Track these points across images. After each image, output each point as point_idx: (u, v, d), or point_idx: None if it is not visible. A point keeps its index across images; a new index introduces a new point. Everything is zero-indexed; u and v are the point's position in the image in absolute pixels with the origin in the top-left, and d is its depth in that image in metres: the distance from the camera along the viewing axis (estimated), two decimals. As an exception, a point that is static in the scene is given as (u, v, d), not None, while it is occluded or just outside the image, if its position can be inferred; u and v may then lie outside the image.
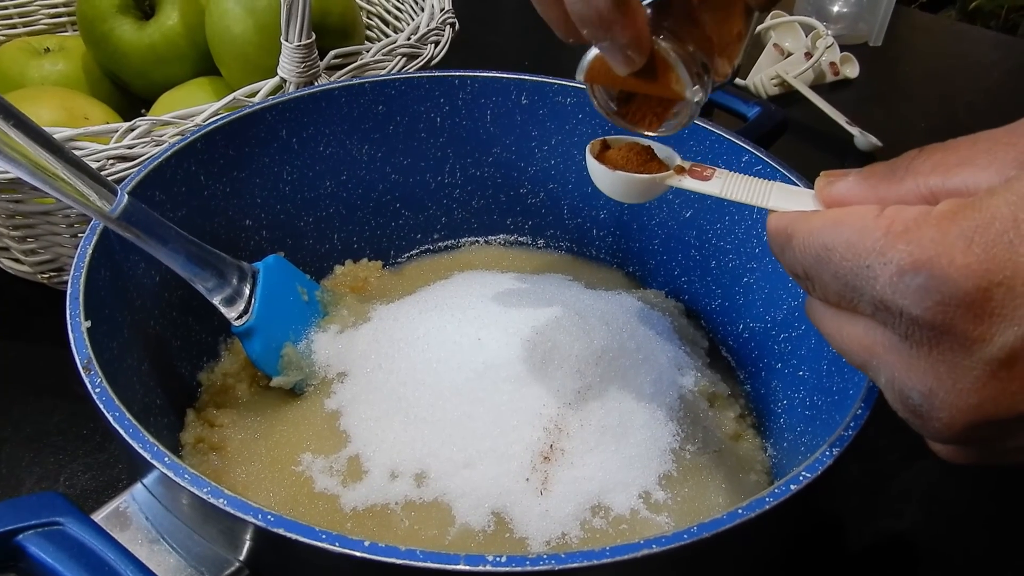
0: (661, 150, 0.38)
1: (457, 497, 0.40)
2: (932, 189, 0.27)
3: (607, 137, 0.39)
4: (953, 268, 0.24)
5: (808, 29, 0.99)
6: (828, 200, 0.30)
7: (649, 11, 0.34)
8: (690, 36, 0.35)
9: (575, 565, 0.27)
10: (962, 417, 0.26)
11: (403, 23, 0.75)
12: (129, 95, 0.73)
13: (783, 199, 0.33)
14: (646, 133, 0.38)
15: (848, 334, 0.29)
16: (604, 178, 0.38)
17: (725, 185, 0.35)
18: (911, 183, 0.27)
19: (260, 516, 0.28)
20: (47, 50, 0.71)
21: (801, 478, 0.31)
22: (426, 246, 0.62)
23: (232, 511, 0.28)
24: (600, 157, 0.38)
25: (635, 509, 0.41)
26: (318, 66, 0.57)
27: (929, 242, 0.24)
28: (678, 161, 0.37)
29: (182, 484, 0.29)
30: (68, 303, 0.37)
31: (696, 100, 0.35)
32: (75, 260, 0.39)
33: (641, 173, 0.37)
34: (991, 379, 0.25)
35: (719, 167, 0.36)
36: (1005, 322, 0.24)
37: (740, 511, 0.29)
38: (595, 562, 0.27)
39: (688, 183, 0.36)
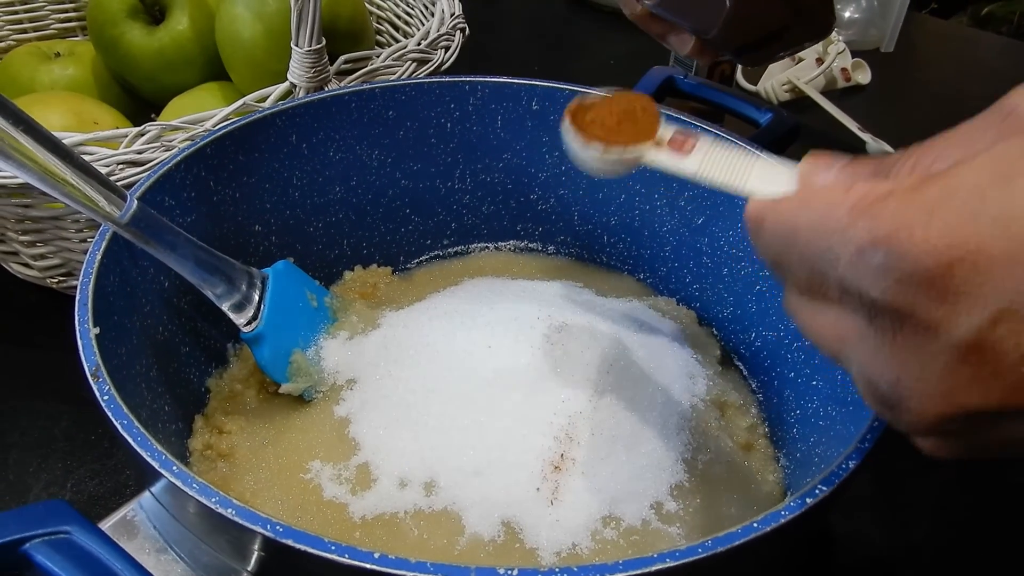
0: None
1: (467, 506, 0.40)
2: None
3: (584, 99, 0.35)
4: (912, 244, 0.22)
5: (819, 35, 0.99)
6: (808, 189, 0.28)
7: None
8: None
9: (588, 579, 0.27)
10: (933, 407, 0.24)
11: (413, 28, 0.75)
12: (139, 100, 0.73)
13: (762, 181, 0.30)
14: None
15: (820, 323, 0.27)
16: (575, 147, 0.34)
17: (703, 164, 0.31)
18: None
19: (269, 527, 0.28)
20: (57, 55, 0.72)
21: (817, 491, 0.30)
22: (436, 252, 0.61)
23: (240, 521, 0.28)
24: (579, 122, 0.34)
25: (646, 520, 0.40)
26: (328, 71, 0.57)
27: (890, 217, 0.23)
28: (660, 128, 0.33)
29: (190, 493, 0.29)
30: (77, 309, 0.36)
31: None
32: (84, 266, 0.39)
33: (616, 142, 0.33)
34: (960, 365, 0.23)
35: (704, 134, 0.32)
36: (970, 302, 0.22)
37: (755, 525, 0.28)
38: (608, 576, 0.27)
39: (663, 159, 0.32)
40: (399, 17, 0.77)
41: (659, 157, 0.33)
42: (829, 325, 0.27)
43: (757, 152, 0.31)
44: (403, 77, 0.60)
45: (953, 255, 0.21)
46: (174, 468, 0.30)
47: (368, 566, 0.26)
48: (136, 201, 0.39)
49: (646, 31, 0.53)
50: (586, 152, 0.34)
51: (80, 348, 0.35)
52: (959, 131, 0.25)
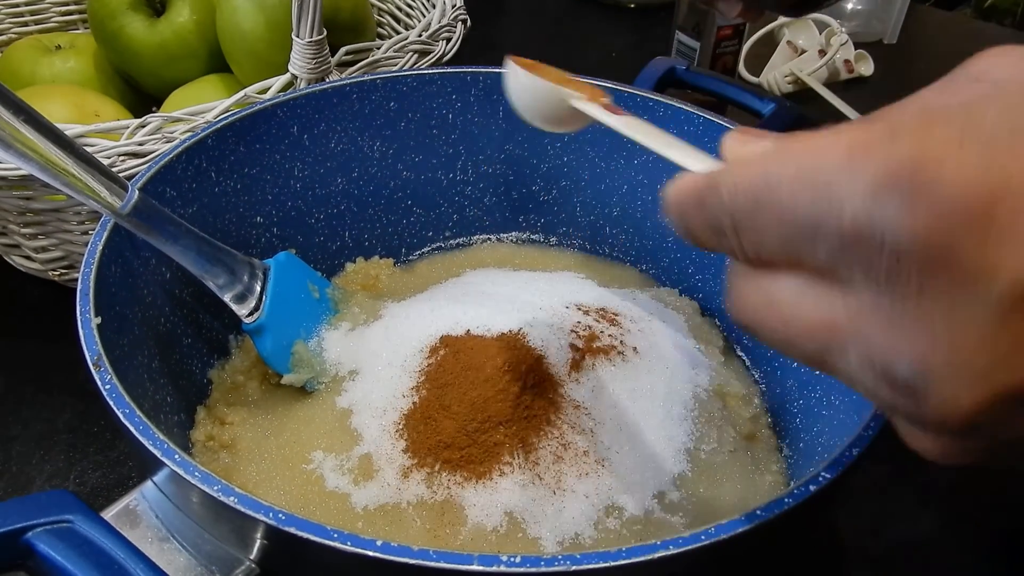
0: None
1: (469, 497, 0.40)
2: None
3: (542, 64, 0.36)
4: (946, 171, 0.18)
5: (822, 26, 0.98)
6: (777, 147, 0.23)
7: None
8: None
9: (590, 566, 0.26)
10: (969, 391, 0.19)
11: (414, 19, 0.74)
12: (140, 92, 0.73)
13: (686, 155, 0.28)
14: None
15: (795, 312, 0.22)
16: (512, 80, 0.35)
17: (629, 123, 0.32)
18: None
19: (271, 515, 0.28)
20: (58, 47, 0.71)
21: (821, 479, 0.30)
22: (437, 244, 0.61)
23: (243, 509, 0.28)
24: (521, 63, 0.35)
25: (649, 510, 0.40)
26: (329, 62, 0.57)
27: (909, 146, 0.19)
28: (603, 99, 0.34)
29: (192, 482, 0.29)
30: (78, 299, 0.36)
31: None
32: (85, 256, 0.39)
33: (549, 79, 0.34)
34: (1003, 328, 0.18)
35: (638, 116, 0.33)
36: (1014, 245, 0.18)
37: (759, 512, 0.28)
38: (611, 563, 0.27)
39: (587, 107, 0.33)
40: (400, 8, 0.76)
41: (589, 107, 0.33)
42: (810, 310, 0.21)
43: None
44: (404, 68, 0.60)
45: (995, 189, 0.18)
46: (176, 457, 0.30)
47: (371, 554, 0.26)
48: (137, 192, 0.39)
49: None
50: (513, 77, 0.35)
51: (82, 337, 0.35)
52: (922, 95, 0.22)
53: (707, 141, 0.51)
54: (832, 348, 0.21)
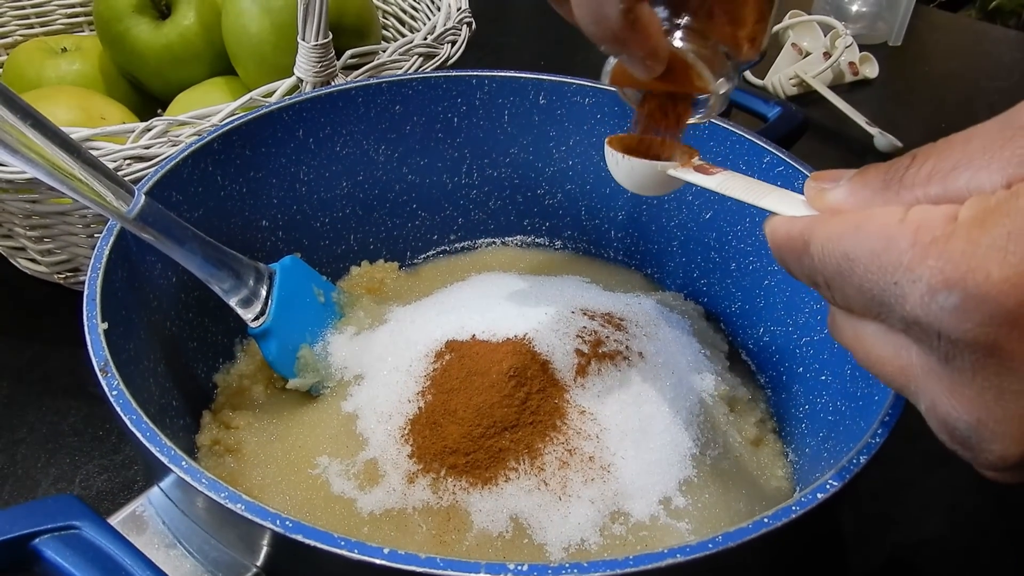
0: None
1: (475, 502, 0.40)
2: (933, 199, 0.25)
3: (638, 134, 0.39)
4: (990, 285, 0.22)
5: (827, 28, 0.98)
6: (824, 211, 0.28)
7: (663, 13, 0.34)
8: (710, 26, 0.35)
9: (597, 574, 0.26)
10: (1017, 447, 0.24)
11: (419, 23, 0.74)
12: (145, 95, 0.73)
13: (779, 201, 0.31)
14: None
15: (879, 352, 0.27)
16: (611, 163, 0.38)
17: (723, 181, 0.34)
18: (909, 196, 0.25)
19: (278, 522, 0.28)
20: (64, 50, 0.72)
21: (828, 486, 0.30)
22: (442, 247, 0.61)
23: (250, 516, 0.28)
24: (619, 145, 0.38)
25: (655, 515, 0.40)
26: (335, 66, 0.57)
27: (960, 256, 0.22)
28: (695, 159, 0.37)
29: (199, 488, 0.29)
30: (85, 304, 0.36)
31: (722, 92, 0.34)
32: (92, 261, 0.39)
33: (641, 155, 0.37)
34: None
35: (728, 169, 0.35)
36: None
37: (766, 520, 0.28)
38: (618, 571, 0.27)
39: (683, 173, 0.35)
40: (405, 12, 0.76)
41: (679, 172, 0.36)
42: (890, 356, 0.26)
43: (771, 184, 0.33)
44: (409, 71, 0.60)
45: None
46: (183, 463, 0.30)
47: (378, 561, 0.26)
48: (143, 196, 0.39)
49: None
50: (617, 163, 0.37)
51: (88, 343, 0.35)
52: (971, 138, 0.25)
53: (712, 145, 0.51)
54: (908, 390, 0.26)
